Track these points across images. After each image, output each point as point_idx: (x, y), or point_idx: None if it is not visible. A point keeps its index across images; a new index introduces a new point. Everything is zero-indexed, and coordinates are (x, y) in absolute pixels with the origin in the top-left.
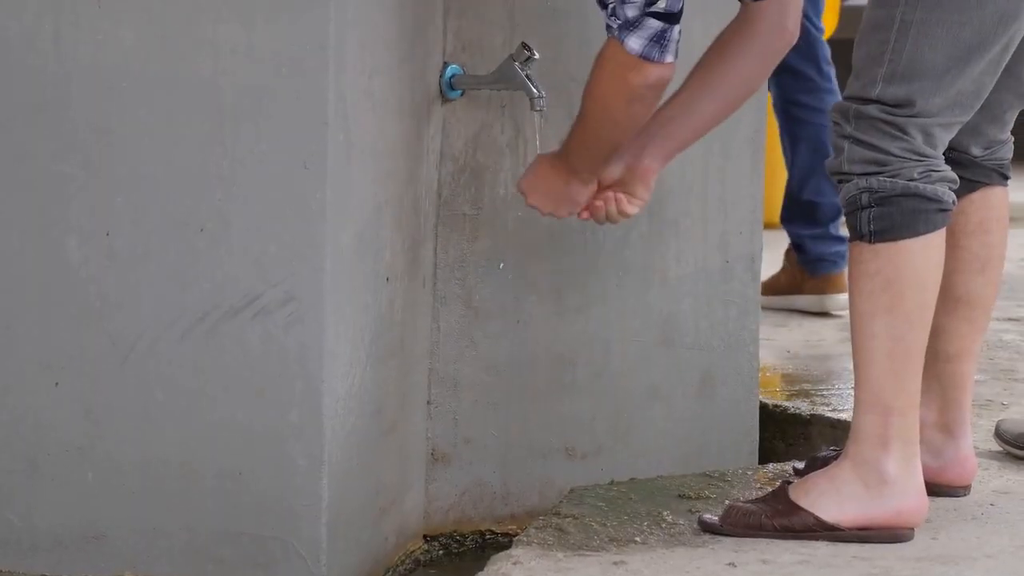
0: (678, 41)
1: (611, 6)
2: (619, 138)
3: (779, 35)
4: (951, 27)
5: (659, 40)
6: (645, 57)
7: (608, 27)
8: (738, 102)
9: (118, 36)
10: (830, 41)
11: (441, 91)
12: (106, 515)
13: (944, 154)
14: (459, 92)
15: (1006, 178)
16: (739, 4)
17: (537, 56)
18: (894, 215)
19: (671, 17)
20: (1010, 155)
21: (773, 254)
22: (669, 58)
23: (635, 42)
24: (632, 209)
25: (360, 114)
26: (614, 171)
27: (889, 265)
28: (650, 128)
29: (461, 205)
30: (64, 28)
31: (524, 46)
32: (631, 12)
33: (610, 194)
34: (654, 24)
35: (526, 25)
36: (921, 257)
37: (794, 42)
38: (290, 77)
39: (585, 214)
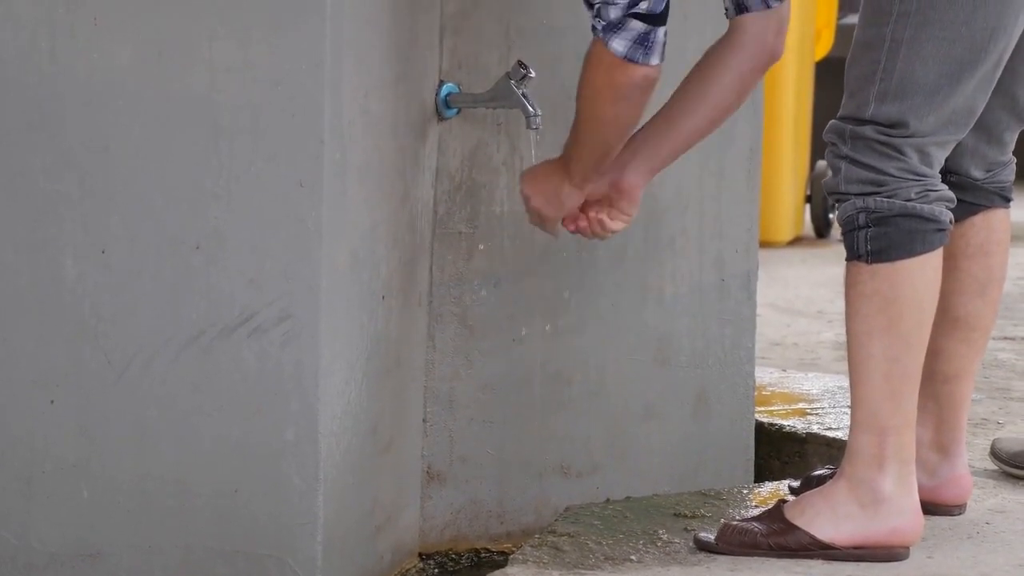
0: (664, 43)
1: (596, 7)
2: (608, 139)
3: (760, 49)
4: (941, 44)
5: (643, 42)
6: (629, 59)
7: (593, 28)
8: (720, 117)
9: (114, 54)
10: (826, 61)
11: (437, 109)
12: (102, 533)
13: (946, 178)
14: (455, 110)
15: (1008, 200)
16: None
17: (533, 74)
18: (891, 235)
19: (654, 19)
20: (1012, 177)
21: (769, 273)
22: (654, 60)
23: (619, 44)
24: (615, 225)
25: (356, 132)
26: (599, 187)
27: (886, 285)
28: (634, 143)
29: (457, 223)
30: (60, 45)
31: (520, 64)
32: (614, 13)
33: (592, 214)
34: (638, 26)
35: (522, 43)
36: (919, 277)
37: (778, 58)
38: (286, 95)
39: (571, 226)
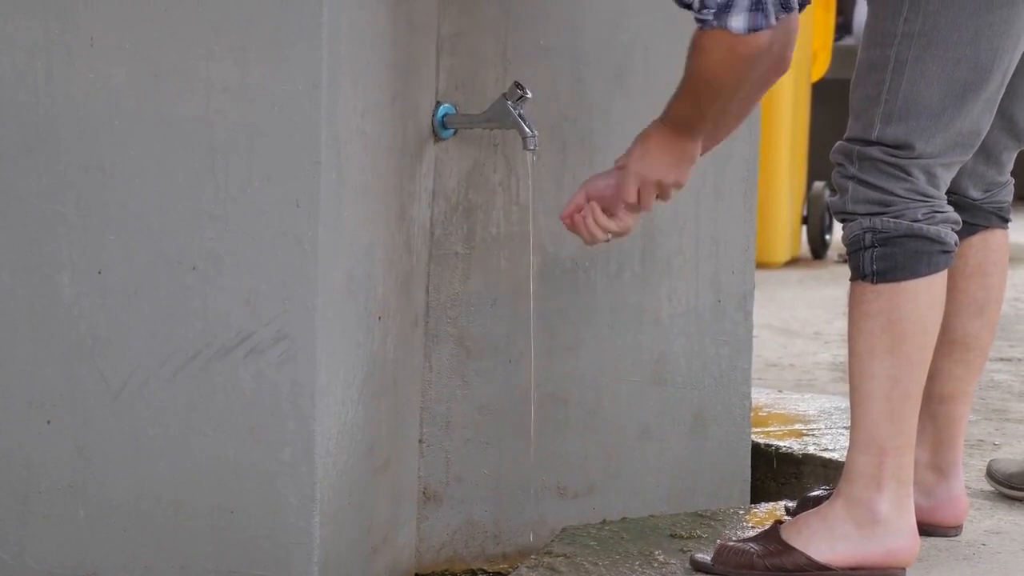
0: None
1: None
2: (731, 101)
3: (770, 59)
4: (946, 65)
5: (759, 7)
6: (753, 30)
7: (702, 21)
8: (725, 125)
9: (110, 74)
10: (822, 82)
11: (434, 130)
12: (98, 553)
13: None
14: (452, 131)
15: (1006, 221)
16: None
17: (530, 95)
18: (897, 256)
19: None
20: (1010, 197)
21: (765, 293)
22: (773, 19)
23: (738, 21)
24: (612, 225)
25: (352, 152)
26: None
27: (890, 305)
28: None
29: (453, 244)
30: (56, 66)
31: (517, 85)
32: None
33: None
34: None
35: (519, 64)
36: (923, 298)
37: (786, 69)
38: (282, 115)
39: (568, 222)
